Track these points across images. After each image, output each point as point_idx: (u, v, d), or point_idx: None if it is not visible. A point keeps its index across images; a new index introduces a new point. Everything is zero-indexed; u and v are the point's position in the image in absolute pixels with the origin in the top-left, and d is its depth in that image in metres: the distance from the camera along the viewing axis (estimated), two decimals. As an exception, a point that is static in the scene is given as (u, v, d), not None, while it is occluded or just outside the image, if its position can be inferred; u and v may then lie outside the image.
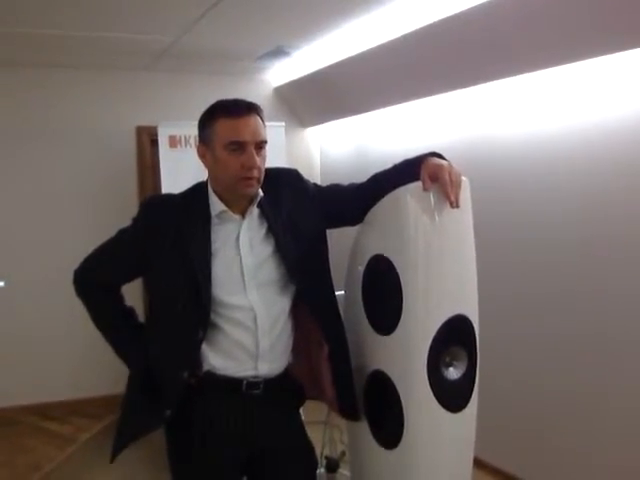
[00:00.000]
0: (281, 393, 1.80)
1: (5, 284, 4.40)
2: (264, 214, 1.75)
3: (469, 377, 1.80)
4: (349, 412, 1.90)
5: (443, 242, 1.73)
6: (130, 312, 1.91)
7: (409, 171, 1.73)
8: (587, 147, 2.84)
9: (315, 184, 1.90)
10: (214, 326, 1.70)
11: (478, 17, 2.88)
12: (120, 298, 1.90)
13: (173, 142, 4.15)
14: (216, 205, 1.72)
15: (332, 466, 3.00)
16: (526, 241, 3.20)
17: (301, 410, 1.96)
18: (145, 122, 4.62)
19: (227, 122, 1.65)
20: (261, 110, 1.71)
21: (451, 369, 1.78)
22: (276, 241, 1.74)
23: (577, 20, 2.57)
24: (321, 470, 2.89)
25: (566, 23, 2.62)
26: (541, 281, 3.12)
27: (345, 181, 1.93)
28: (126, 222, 1.81)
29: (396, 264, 1.74)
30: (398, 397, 1.76)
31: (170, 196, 1.82)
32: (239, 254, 1.71)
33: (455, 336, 1.76)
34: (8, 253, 4.45)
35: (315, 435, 2.24)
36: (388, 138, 4.35)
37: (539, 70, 2.95)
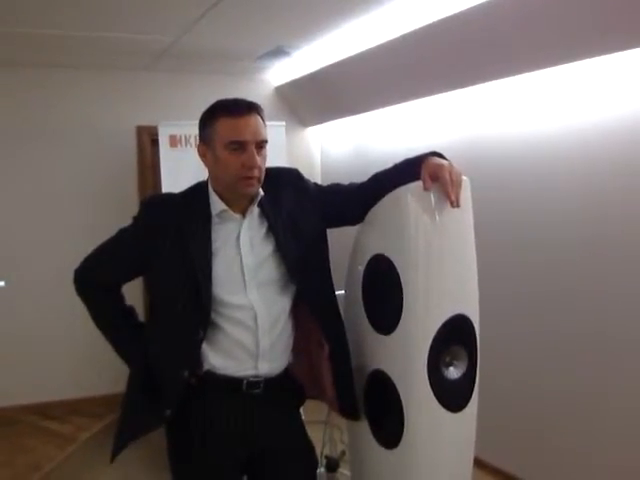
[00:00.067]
0: (281, 393, 1.80)
1: (5, 284, 4.40)
2: (264, 213, 1.75)
3: (469, 377, 1.80)
4: (349, 412, 1.90)
5: (443, 242, 1.73)
6: (130, 311, 1.91)
7: (410, 170, 1.73)
8: (587, 147, 2.84)
9: (315, 184, 1.90)
10: (214, 325, 1.70)
11: (477, 17, 2.88)
12: (120, 297, 1.90)
13: (173, 142, 4.15)
14: (216, 204, 1.72)
15: (332, 466, 3.00)
16: (526, 241, 3.20)
17: (301, 410, 1.97)
18: (145, 122, 4.63)
19: (228, 121, 1.65)
20: (262, 110, 1.71)
21: (451, 369, 1.78)
22: (276, 240, 1.74)
23: (576, 20, 2.58)
24: (321, 470, 2.89)
25: (565, 23, 2.62)
26: (541, 280, 3.12)
27: (345, 180, 1.93)
28: (126, 222, 1.81)
29: (396, 264, 1.74)
30: (398, 397, 1.76)
31: (170, 195, 1.82)
32: (239, 253, 1.71)
33: (455, 336, 1.76)
34: (8, 253, 4.45)
35: (315, 435, 2.24)
36: (388, 138, 4.35)
37: (538, 70, 2.95)
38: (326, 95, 4.66)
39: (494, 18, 2.85)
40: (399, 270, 1.73)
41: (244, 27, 3.58)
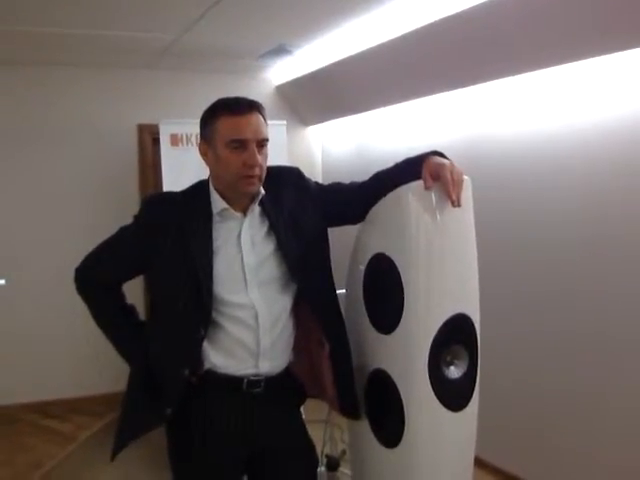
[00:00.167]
0: (282, 392, 1.80)
1: (6, 282, 4.40)
2: (265, 212, 1.75)
3: (470, 376, 1.80)
4: (350, 411, 1.90)
5: (444, 241, 1.73)
6: (131, 310, 1.91)
7: (411, 170, 1.73)
8: (587, 146, 2.84)
9: (317, 182, 1.90)
10: (215, 324, 1.70)
11: (478, 16, 2.88)
12: (121, 296, 1.90)
13: (174, 140, 4.15)
14: (217, 203, 1.72)
15: (333, 465, 3.00)
16: (526, 240, 3.20)
17: (302, 409, 1.96)
18: (146, 120, 4.62)
19: (229, 120, 1.65)
20: (263, 108, 1.71)
21: (452, 368, 1.78)
22: (277, 239, 1.74)
23: (577, 20, 2.57)
24: (322, 469, 2.90)
25: (566, 23, 2.62)
26: (541, 280, 3.12)
27: (346, 179, 1.93)
28: (127, 220, 1.81)
29: (397, 263, 1.74)
30: (399, 396, 1.76)
31: (171, 194, 1.82)
32: (240, 252, 1.71)
33: (456, 335, 1.76)
34: (9, 251, 4.45)
35: (316, 434, 2.24)
36: (390, 137, 4.35)
37: (539, 69, 2.95)
38: (327, 94, 4.66)
39: (495, 18, 2.85)
40: (400, 269, 1.73)
41: (245, 25, 3.57)
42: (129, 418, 1.80)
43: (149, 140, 4.74)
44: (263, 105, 1.72)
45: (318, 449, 2.20)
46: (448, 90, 3.59)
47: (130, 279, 1.88)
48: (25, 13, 3.27)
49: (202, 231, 1.70)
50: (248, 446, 1.79)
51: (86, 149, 4.61)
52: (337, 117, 4.93)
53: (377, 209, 1.82)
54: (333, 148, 5.21)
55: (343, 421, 2.21)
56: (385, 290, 1.79)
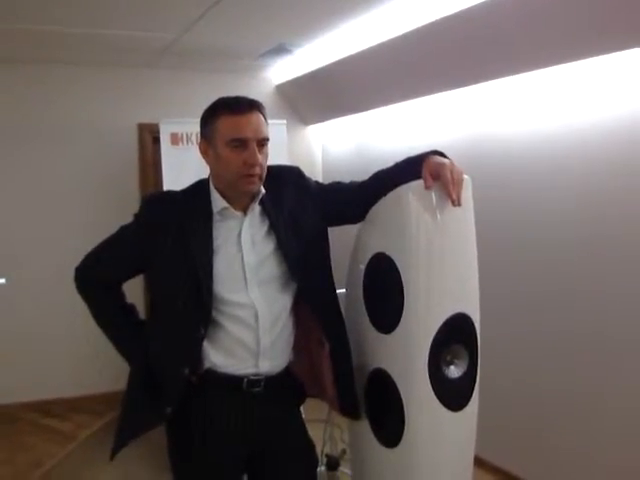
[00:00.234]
0: (282, 391, 1.80)
1: (6, 281, 4.40)
2: (266, 211, 1.75)
3: (470, 376, 1.80)
4: (350, 410, 1.90)
5: (444, 240, 1.73)
6: (131, 309, 1.91)
7: (411, 169, 1.73)
8: (585, 146, 2.83)
9: (317, 182, 1.90)
10: (215, 323, 1.70)
11: (479, 16, 2.88)
12: (121, 295, 1.90)
13: (175, 139, 4.15)
14: (218, 202, 1.72)
15: (333, 464, 3.00)
16: (525, 240, 3.20)
17: (302, 408, 1.96)
18: (147, 119, 4.62)
19: (229, 119, 1.65)
20: (263, 107, 1.71)
21: (452, 367, 1.78)
22: (277, 238, 1.74)
23: (577, 20, 2.57)
24: (322, 468, 2.90)
25: (565, 23, 2.62)
26: (540, 280, 3.12)
27: (347, 179, 1.93)
28: (127, 219, 1.81)
29: (397, 262, 1.74)
30: (399, 395, 1.76)
31: (171, 193, 1.82)
32: (241, 251, 1.71)
33: (456, 334, 1.76)
34: (9, 250, 4.44)
35: (316, 433, 2.24)
36: (390, 136, 4.35)
37: (538, 69, 2.95)
38: (327, 93, 4.66)
39: (495, 17, 2.85)
40: (400, 269, 1.73)
41: (246, 25, 3.57)
42: (129, 417, 1.80)
43: (149, 139, 4.73)
44: (263, 104, 1.72)
45: (318, 449, 2.20)
46: (448, 89, 3.59)
47: (130, 278, 1.88)
48: (25, 11, 3.26)
49: (202, 230, 1.70)
50: (248, 445, 1.79)
51: (86, 148, 4.60)
52: (337, 116, 4.93)
53: (377, 209, 1.82)
54: (333, 147, 5.20)
55: (343, 421, 2.21)
56: (385, 290, 1.79)
